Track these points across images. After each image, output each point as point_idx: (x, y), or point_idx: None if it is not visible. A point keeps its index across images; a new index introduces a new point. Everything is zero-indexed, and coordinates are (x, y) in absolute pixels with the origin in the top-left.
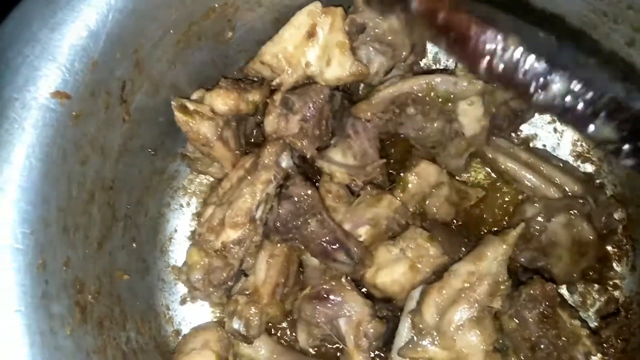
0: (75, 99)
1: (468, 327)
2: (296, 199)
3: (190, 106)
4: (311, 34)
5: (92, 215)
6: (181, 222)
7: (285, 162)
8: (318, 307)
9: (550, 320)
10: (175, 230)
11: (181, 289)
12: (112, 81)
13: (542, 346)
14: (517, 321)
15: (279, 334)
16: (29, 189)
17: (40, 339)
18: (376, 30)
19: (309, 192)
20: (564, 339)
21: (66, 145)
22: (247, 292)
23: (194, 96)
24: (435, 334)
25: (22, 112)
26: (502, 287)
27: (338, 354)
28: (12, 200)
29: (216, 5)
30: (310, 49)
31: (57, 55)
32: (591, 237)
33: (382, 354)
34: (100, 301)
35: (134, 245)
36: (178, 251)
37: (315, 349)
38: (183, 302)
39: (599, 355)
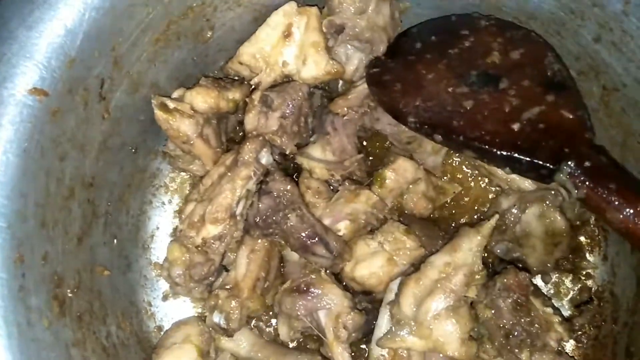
0: (53, 96)
1: (444, 317)
2: (276, 194)
3: (171, 104)
4: (287, 34)
5: (72, 211)
6: (163, 219)
7: (265, 158)
8: (298, 300)
9: (523, 309)
10: (157, 228)
11: (163, 285)
12: (90, 79)
13: (515, 333)
14: (492, 310)
15: (260, 328)
16: (5, 183)
17: (17, 330)
18: (355, 30)
19: (289, 187)
20: (537, 326)
21: (44, 141)
22: (228, 287)
23: (175, 94)
24: (413, 324)
25: (0, 109)
26: (477, 277)
27: (319, 346)
28: None
29: (194, 5)
30: (287, 48)
31: (35, 53)
32: (564, 228)
33: (362, 345)
34: (79, 296)
35: (115, 242)
36: (160, 248)
37: (296, 341)
38: (165, 298)
39: (573, 342)
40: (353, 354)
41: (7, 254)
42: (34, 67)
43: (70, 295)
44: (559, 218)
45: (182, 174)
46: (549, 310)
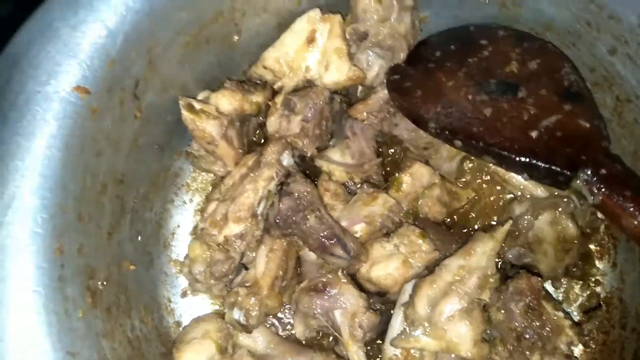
0: (93, 94)
1: (458, 318)
2: (296, 195)
3: (197, 105)
4: (311, 40)
5: (104, 206)
6: (184, 218)
7: (287, 160)
8: (315, 299)
9: (535, 312)
10: (178, 226)
11: (182, 282)
12: (126, 79)
13: (527, 336)
14: (504, 313)
15: (276, 326)
16: (49, 176)
17: (57, 319)
18: (378, 37)
19: (309, 189)
20: (547, 329)
21: (84, 137)
22: (247, 285)
23: (200, 96)
24: (426, 324)
25: (45, 105)
26: (490, 280)
27: (333, 344)
28: (33, 187)
29: (224, 10)
30: (310, 54)
31: (78, 52)
32: (575, 235)
33: (376, 345)
34: (108, 289)
35: (140, 238)
36: (180, 246)
37: (312, 340)
38: (184, 295)
39: (581, 347)
40: (367, 352)
41: (48, 244)
42: (77, 66)
43: (100, 287)
44: (570, 225)
45: (204, 174)
46: (560, 314)
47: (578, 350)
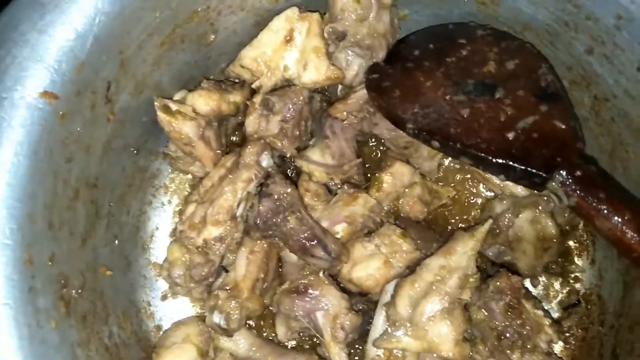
0: (62, 99)
1: (439, 318)
2: (276, 196)
3: (173, 106)
4: (289, 39)
5: (77, 212)
6: (162, 220)
7: (266, 161)
8: (297, 301)
9: (515, 311)
10: (157, 228)
11: (162, 285)
12: (97, 82)
13: (507, 335)
14: (484, 312)
15: (257, 329)
16: (16, 185)
17: (28, 331)
18: (357, 36)
19: (289, 190)
20: (528, 328)
21: (53, 143)
22: (228, 288)
23: (177, 96)
24: (408, 325)
25: (11, 111)
26: (471, 279)
27: (316, 346)
28: (0, 197)
29: (200, 9)
30: (288, 53)
31: (45, 57)
32: (554, 233)
33: (358, 347)
34: (83, 296)
35: (116, 242)
36: (159, 248)
37: (293, 342)
38: (164, 298)
39: (561, 343)
40: (350, 354)
41: (17, 256)
42: (44, 70)
43: (75, 295)
44: (550, 224)
45: (182, 175)
46: (540, 312)
47: (558, 347)
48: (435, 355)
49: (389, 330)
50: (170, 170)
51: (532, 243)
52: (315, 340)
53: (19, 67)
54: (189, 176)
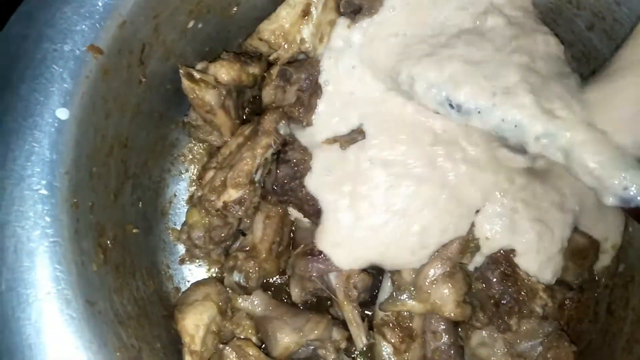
0: (105, 54)
1: (441, 282)
2: (293, 162)
3: (197, 75)
4: (306, 13)
5: (110, 169)
6: (180, 187)
7: (284, 129)
8: (311, 262)
9: (510, 278)
10: (175, 195)
11: (180, 250)
12: (134, 42)
13: (504, 302)
14: (482, 282)
15: (272, 291)
16: (64, 133)
17: (75, 268)
18: (371, 10)
19: (305, 157)
20: (523, 293)
21: (96, 97)
22: (246, 249)
23: (199, 66)
24: (412, 289)
25: (61, 63)
26: (471, 245)
27: (328, 306)
28: (51, 142)
29: None
30: (305, 26)
31: (93, 13)
32: (585, 242)
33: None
34: (115, 248)
35: (140, 204)
36: (176, 215)
37: (307, 303)
38: (182, 262)
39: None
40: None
41: (65, 198)
42: (91, 26)
43: (110, 245)
44: (577, 236)
45: (199, 145)
46: (534, 278)
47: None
48: (438, 316)
49: (394, 294)
50: (188, 140)
51: (570, 259)
52: (327, 302)
53: (68, 22)
54: (207, 147)
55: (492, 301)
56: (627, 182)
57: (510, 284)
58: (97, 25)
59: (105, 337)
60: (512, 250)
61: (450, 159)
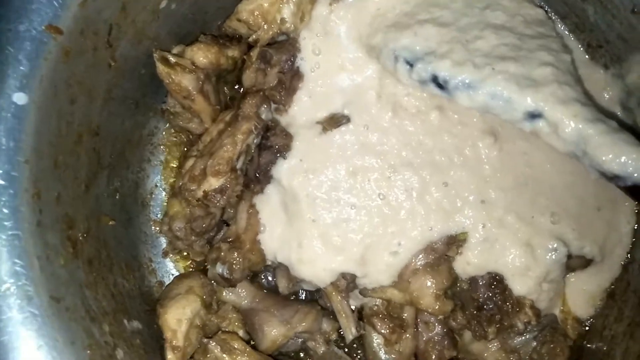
0: (66, 34)
1: (423, 272)
2: (276, 148)
3: (172, 59)
4: None
5: (80, 158)
6: (160, 178)
7: (265, 114)
8: None
9: (499, 285)
10: (156, 186)
11: (163, 242)
12: (100, 23)
13: (487, 308)
14: (468, 282)
15: (258, 282)
16: (23, 119)
17: (38, 263)
18: None
19: (289, 142)
20: (508, 304)
21: (57, 81)
22: (230, 240)
23: (175, 50)
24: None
25: (16, 44)
26: (461, 237)
27: (317, 297)
28: (7, 128)
29: None
30: (285, 5)
31: None
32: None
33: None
34: (89, 241)
35: (117, 196)
36: (158, 206)
37: (294, 294)
38: (165, 255)
39: None
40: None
41: (25, 188)
42: (48, 4)
43: (81, 239)
44: None
45: (179, 134)
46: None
47: None
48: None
49: None
50: (167, 128)
51: None
52: (314, 293)
53: (24, 0)
54: (187, 135)
55: (475, 304)
56: (624, 158)
57: (498, 291)
58: (55, 3)
59: (73, 335)
60: None
61: (442, 150)
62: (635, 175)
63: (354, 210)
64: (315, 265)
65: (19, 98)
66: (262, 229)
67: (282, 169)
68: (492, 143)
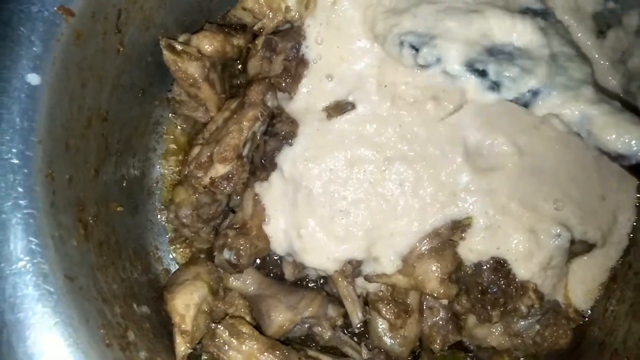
0: (77, 17)
1: (427, 257)
2: (282, 135)
3: (178, 46)
4: None
5: (90, 142)
6: (165, 167)
7: (271, 101)
8: None
9: (503, 270)
10: (161, 175)
11: (169, 231)
12: (109, 7)
13: (491, 291)
14: (473, 266)
15: (264, 269)
16: (36, 99)
17: (52, 242)
18: None
19: (295, 129)
20: (512, 288)
21: (69, 63)
22: (236, 226)
23: (181, 38)
24: (399, 262)
25: (28, 25)
26: (464, 222)
27: (322, 283)
28: (21, 109)
29: None
30: None
31: None
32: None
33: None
34: (98, 225)
35: (124, 183)
36: (164, 195)
37: (300, 280)
38: (171, 243)
39: None
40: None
41: (39, 168)
42: None
43: (91, 222)
44: None
45: (186, 124)
46: (527, 275)
47: None
48: (435, 294)
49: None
50: (173, 118)
51: None
52: (320, 280)
53: None
54: (193, 123)
55: (479, 287)
56: (628, 137)
57: (501, 275)
58: None
59: (87, 314)
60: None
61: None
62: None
63: (354, 200)
64: (319, 254)
65: (32, 79)
66: (265, 219)
67: (287, 157)
68: (489, 132)
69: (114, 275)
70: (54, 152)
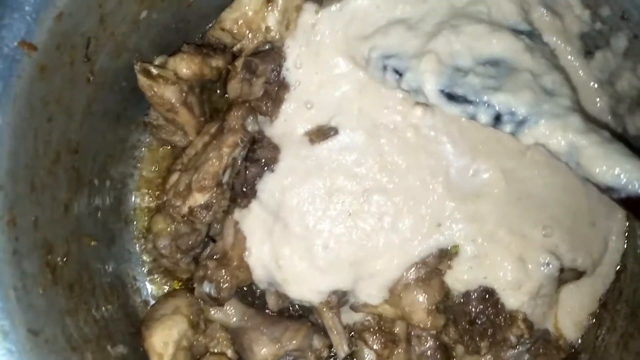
0: (41, 50)
1: (414, 287)
2: (263, 161)
3: (154, 70)
4: None
5: (59, 177)
6: (144, 193)
7: (251, 125)
8: None
9: (492, 299)
10: (139, 202)
11: (147, 260)
12: (76, 36)
13: (479, 322)
14: (461, 296)
15: (247, 300)
16: None
17: (14, 294)
18: None
19: (276, 155)
20: (500, 318)
21: (33, 99)
22: (217, 257)
23: (157, 61)
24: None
25: None
26: (453, 251)
27: (307, 314)
28: None
29: None
30: (270, 13)
31: (22, 4)
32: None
33: None
34: (69, 265)
35: (99, 214)
36: (142, 223)
37: (284, 311)
38: (150, 273)
39: None
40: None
41: (0, 215)
42: (22, 19)
43: (60, 263)
44: None
45: (163, 147)
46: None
47: None
48: (422, 325)
49: None
50: (151, 141)
51: None
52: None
53: None
54: (171, 148)
55: (467, 317)
56: (618, 170)
57: (490, 304)
58: (29, 17)
59: None
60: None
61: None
62: (629, 187)
63: (333, 233)
64: (302, 285)
65: None
66: (246, 252)
67: (266, 186)
68: (471, 161)
69: (86, 317)
70: (17, 195)
